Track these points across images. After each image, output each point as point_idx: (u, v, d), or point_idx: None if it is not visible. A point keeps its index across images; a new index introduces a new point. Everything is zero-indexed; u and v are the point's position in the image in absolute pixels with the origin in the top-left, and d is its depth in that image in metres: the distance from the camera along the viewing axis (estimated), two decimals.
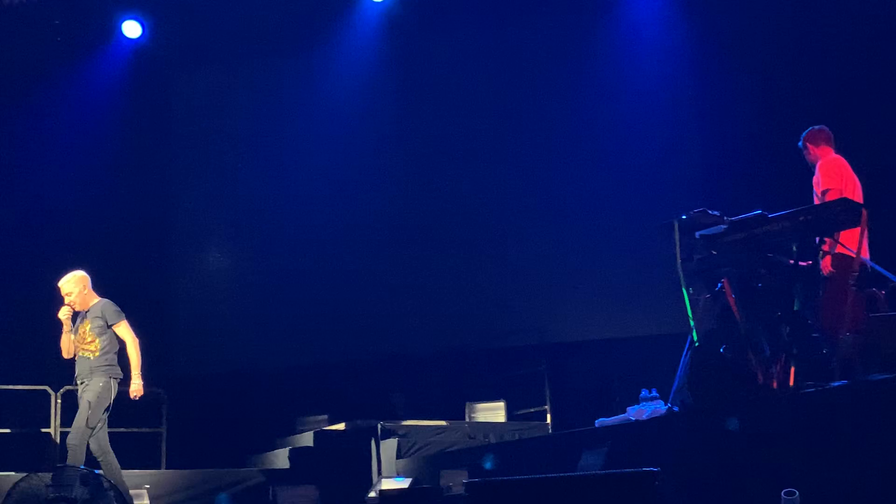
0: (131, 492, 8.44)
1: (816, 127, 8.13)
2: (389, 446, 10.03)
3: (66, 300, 8.54)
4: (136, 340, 8.51)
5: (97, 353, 8.40)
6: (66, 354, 8.55)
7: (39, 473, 7.71)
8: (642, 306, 11.30)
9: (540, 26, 12.48)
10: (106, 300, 8.65)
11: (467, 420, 11.14)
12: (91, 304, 8.59)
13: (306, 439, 10.78)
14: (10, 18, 12.18)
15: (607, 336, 11.56)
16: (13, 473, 8.30)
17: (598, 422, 8.20)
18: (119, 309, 8.59)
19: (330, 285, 12.74)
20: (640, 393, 8.29)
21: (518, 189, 12.45)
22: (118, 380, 8.43)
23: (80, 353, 8.46)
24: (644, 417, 7.82)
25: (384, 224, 12.87)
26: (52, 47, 12.61)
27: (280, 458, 10.55)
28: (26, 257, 8.53)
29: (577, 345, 11.77)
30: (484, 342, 12.18)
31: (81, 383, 8.42)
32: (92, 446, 8.29)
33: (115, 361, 8.48)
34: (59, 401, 10.39)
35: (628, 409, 8.18)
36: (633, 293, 11.44)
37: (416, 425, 10.52)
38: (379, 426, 10.29)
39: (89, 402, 8.24)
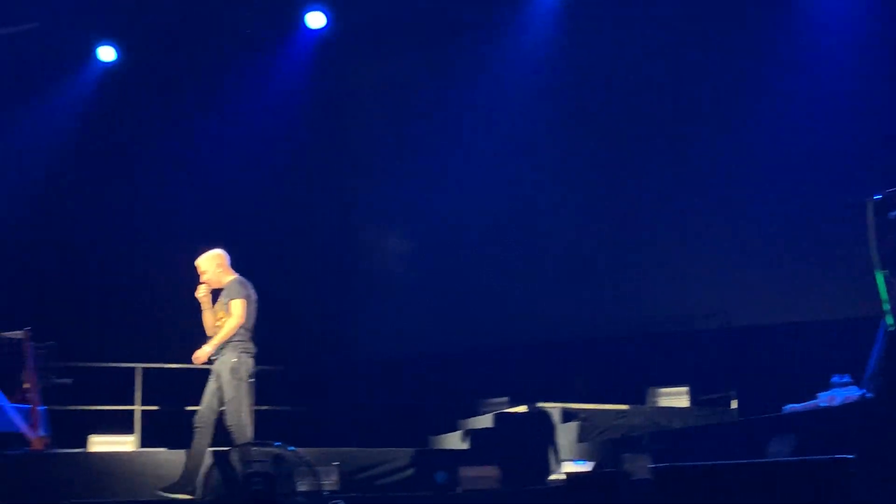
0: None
1: None
2: (570, 429, 10.00)
3: (202, 278, 8.58)
4: (239, 322, 8.34)
5: None
6: (209, 333, 8.55)
7: (237, 449, 8.02)
8: (832, 288, 10.96)
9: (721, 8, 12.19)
10: (238, 278, 8.59)
11: (649, 405, 11.02)
12: (226, 281, 8.59)
13: (486, 421, 10.86)
14: (200, 12, 12.70)
15: (796, 319, 11.23)
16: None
17: (787, 408, 7.99)
18: (243, 288, 8.49)
19: (511, 269, 12.87)
20: (830, 378, 8.03)
21: (705, 171, 12.21)
22: (251, 354, 8.43)
23: (217, 331, 8.48)
24: (836, 404, 7.56)
25: (565, 208, 12.87)
26: (241, 40, 13.07)
27: (461, 439, 10.66)
28: (213, 244, 8.80)
29: (764, 328, 11.47)
30: (668, 326, 12.02)
31: (216, 360, 8.42)
32: (199, 420, 8.27)
33: (248, 337, 8.43)
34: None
35: (819, 394, 7.93)
36: (822, 275, 11.11)
37: (597, 409, 10.43)
38: (559, 409, 10.28)
39: (226, 380, 8.28)
